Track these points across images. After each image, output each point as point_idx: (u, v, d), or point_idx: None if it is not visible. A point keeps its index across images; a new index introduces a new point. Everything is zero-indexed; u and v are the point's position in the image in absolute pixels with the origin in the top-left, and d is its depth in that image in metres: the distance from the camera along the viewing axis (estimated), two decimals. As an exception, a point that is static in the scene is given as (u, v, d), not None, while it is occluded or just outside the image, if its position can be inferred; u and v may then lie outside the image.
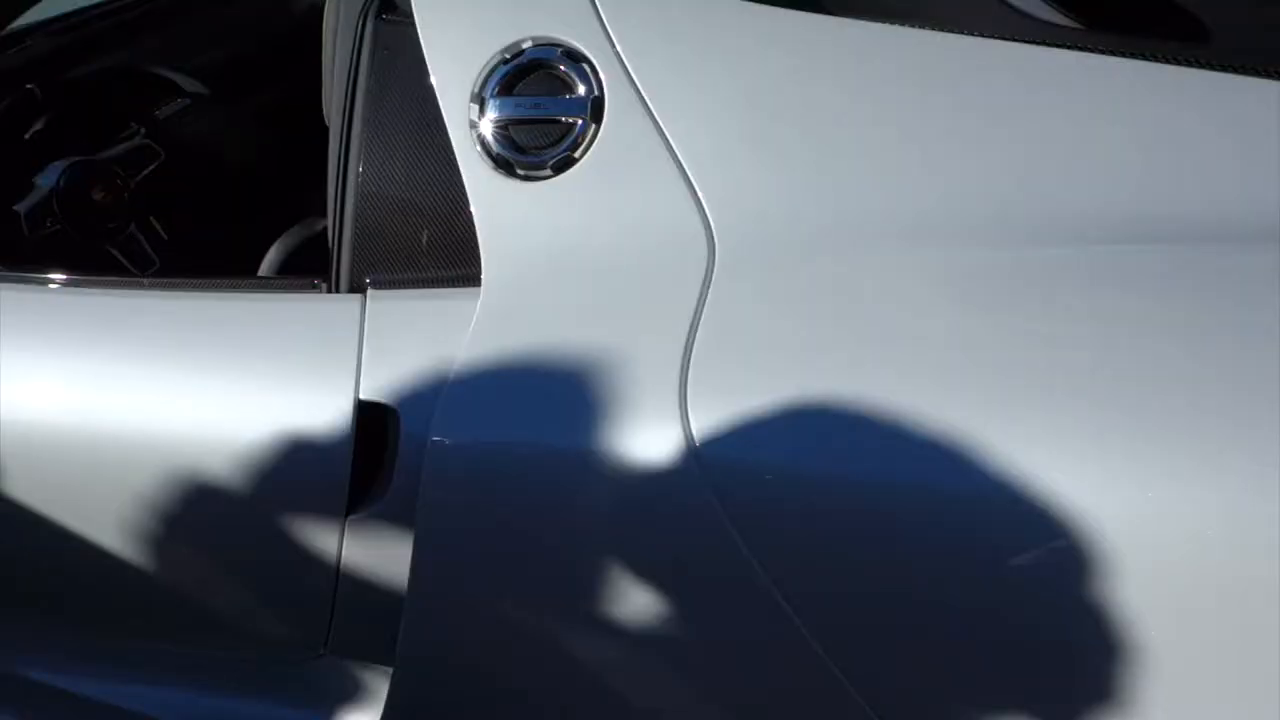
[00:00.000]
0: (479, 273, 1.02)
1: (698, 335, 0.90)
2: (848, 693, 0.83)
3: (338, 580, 1.11)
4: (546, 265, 1.00)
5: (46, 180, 1.48)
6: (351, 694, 1.26)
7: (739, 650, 0.88)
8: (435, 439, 0.96)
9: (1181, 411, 0.77)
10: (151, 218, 1.64)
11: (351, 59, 1.10)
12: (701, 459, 0.85)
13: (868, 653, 0.83)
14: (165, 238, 1.64)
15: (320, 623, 1.18)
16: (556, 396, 0.93)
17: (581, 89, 1.01)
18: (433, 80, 1.04)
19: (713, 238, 0.95)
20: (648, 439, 0.88)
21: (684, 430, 0.86)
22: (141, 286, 1.21)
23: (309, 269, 1.18)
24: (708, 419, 0.86)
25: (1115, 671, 0.73)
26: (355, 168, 1.09)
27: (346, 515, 1.07)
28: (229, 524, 1.13)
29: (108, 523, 1.16)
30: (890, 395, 0.82)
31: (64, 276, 1.20)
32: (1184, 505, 0.74)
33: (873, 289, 0.90)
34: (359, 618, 1.15)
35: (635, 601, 0.92)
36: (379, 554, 1.08)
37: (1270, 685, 0.74)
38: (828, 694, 0.83)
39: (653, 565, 0.90)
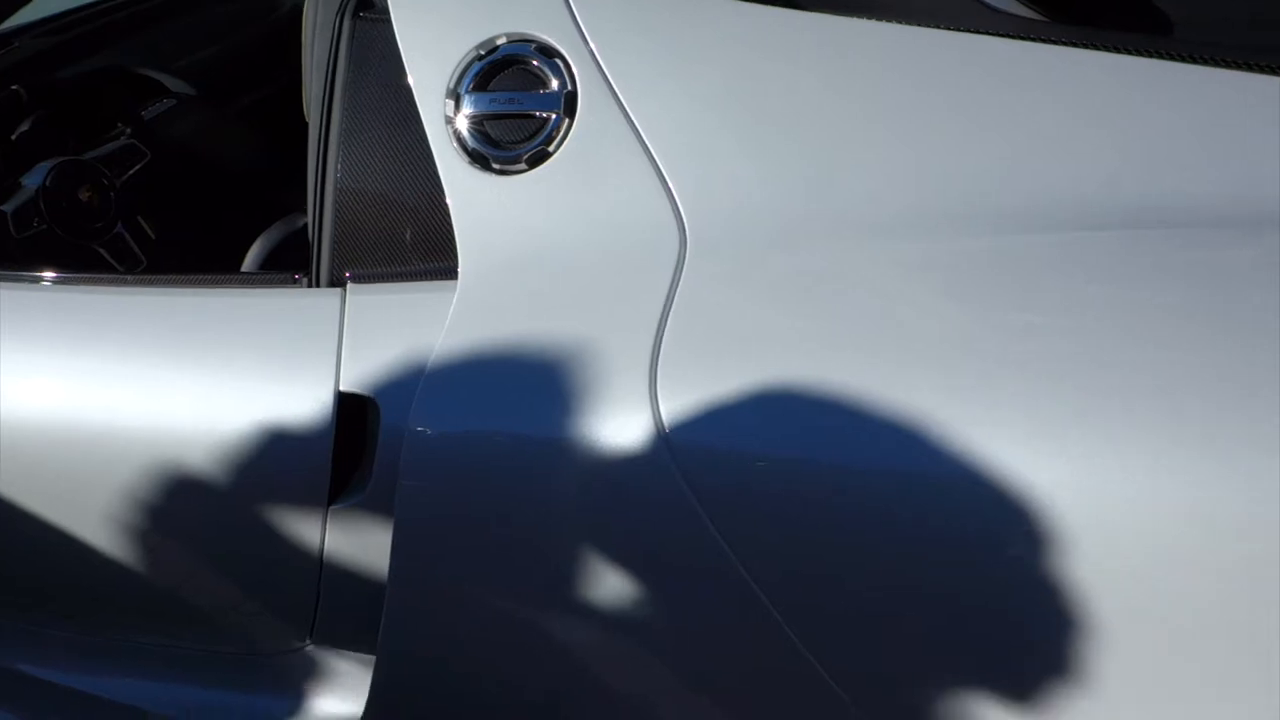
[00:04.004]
0: (456, 266, 1.03)
1: (668, 325, 0.91)
2: (818, 674, 0.85)
3: (321, 571, 1.13)
4: (521, 258, 1.02)
5: (33, 180, 1.49)
6: (336, 684, 1.27)
7: (710, 633, 0.89)
8: (412, 429, 0.98)
9: (1153, 397, 0.78)
10: (139, 217, 1.66)
11: (329, 56, 1.11)
12: (672, 445, 0.87)
13: (837, 635, 0.85)
14: (152, 237, 1.66)
15: (305, 614, 1.19)
16: (530, 386, 0.95)
17: (555, 84, 1.02)
18: (409, 77, 1.06)
19: (684, 229, 0.97)
20: (619, 427, 0.89)
21: (654, 418, 0.88)
22: (126, 283, 1.23)
23: (291, 265, 1.19)
24: (677, 406, 0.87)
25: (1078, 652, 0.74)
26: (334, 164, 1.11)
27: (329, 506, 1.09)
28: (213, 516, 1.14)
29: (93, 516, 1.17)
30: (859, 382, 0.84)
31: (50, 275, 1.22)
32: (1153, 491, 0.76)
33: (843, 279, 0.92)
34: (343, 608, 1.16)
35: (610, 587, 0.93)
36: (361, 544, 1.09)
37: (1231, 662, 0.76)
38: (797, 675, 0.85)
39: (626, 550, 0.91)
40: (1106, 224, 0.89)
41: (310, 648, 1.26)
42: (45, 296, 1.21)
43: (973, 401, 0.81)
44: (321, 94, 1.12)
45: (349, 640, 1.21)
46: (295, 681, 1.30)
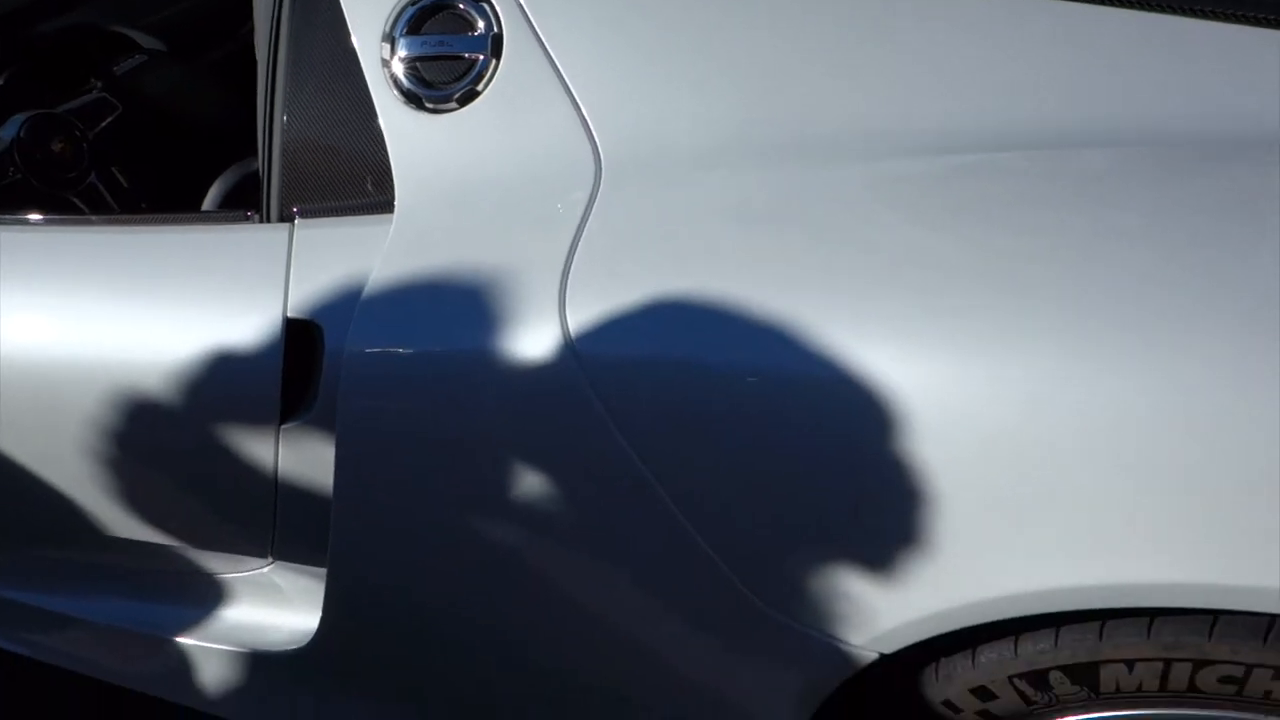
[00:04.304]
0: (394, 199, 1.11)
1: (579, 246, 0.99)
2: (708, 555, 0.93)
3: (276, 488, 1.21)
4: (452, 190, 1.09)
5: (7, 132, 1.56)
6: (298, 597, 1.36)
7: (614, 522, 0.97)
8: (349, 350, 1.06)
9: (990, 310, 0.85)
10: (112, 168, 1.73)
11: (275, 3, 1.18)
12: (579, 355, 0.95)
13: (725, 518, 0.93)
14: (125, 186, 1.73)
15: (265, 530, 1.27)
16: (455, 307, 1.03)
17: (481, 26, 1.09)
18: (347, 22, 1.13)
19: (600, 157, 1.04)
20: (532, 339, 0.97)
21: (562, 329, 0.95)
22: (90, 223, 1.30)
23: (248, 204, 1.27)
24: (583, 318, 0.95)
25: (924, 521, 0.82)
26: (280, 107, 1.18)
27: (280, 425, 1.17)
28: (174, 440, 1.23)
29: (61, 444, 1.25)
30: (748, 294, 0.91)
31: (15, 216, 1.29)
32: (991, 385, 0.83)
33: (744, 201, 0.99)
34: (299, 523, 1.25)
35: (530, 488, 1.02)
36: (311, 460, 1.17)
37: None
38: (690, 556, 0.93)
39: (542, 454, 0.99)
40: (982, 146, 0.96)
41: (273, 565, 1.34)
42: (13, 237, 1.28)
43: (847, 311, 0.88)
44: (268, 40, 1.19)
45: (308, 555, 1.29)
46: (261, 598, 1.39)
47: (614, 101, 1.06)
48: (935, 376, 0.82)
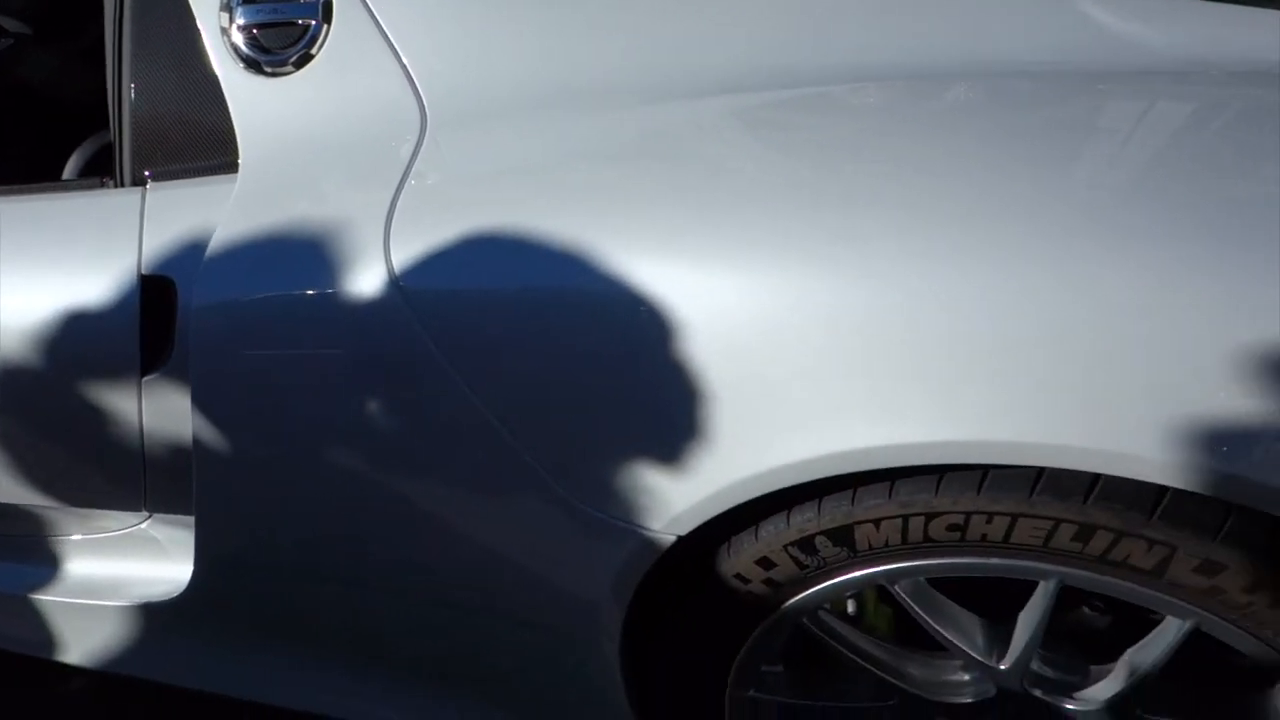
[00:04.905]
0: (238, 160, 1.18)
1: (403, 191, 1.07)
2: (528, 464, 1.02)
3: (143, 440, 1.27)
4: (291, 148, 1.17)
5: None
6: (174, 548, 1.42)
7: (447, 442, 1.06)
8: (196, 303, 1.13)
9: (770, 235, 0.95)
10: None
11: None
12: (404, 290, 1.03)
13: (537, 427, 1.02)
14: (-5, 168, 1.76)
15: (136, 484, 1.33)
16: (293, 257, 1.10)
17: (311, -7, 1.17)
18: (186, -7, 1.20)
19: (424, 109, 1.12)
20: (363, 281, 1.05)
21: (388, 269, 1.04)
22: (-50, 195, 1.35)
23: (104, 172, 1.32)
24: (406, 257, 1.03)
25: (700, 412, 0.93)
26: (127, 77, 1.24)
27: (141, 378, 1.23)
28: (41, 400, 1.28)
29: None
30: (555, 223, 1.00)
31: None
32: (747, 289, 0.92)
33: (556, 140, 1.09)
34: (168, 474, 1.31)
35: (372, 418, 1.10)
36: (174, 411, 1.23)
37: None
38: (513, 464, 1.03)
39: (379, 384, 1.07)
40: (779, 84, 1.07)
41: (149, 520, 1.40)
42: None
43: (641, 234, 0.98)
44: (113, 13, 1.25)
45: (180, 505, 1.35)
46: (139, 552, 1.45)
47: (437, 57, 1.14)
48: (709, 284, 0.93)
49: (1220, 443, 0.81)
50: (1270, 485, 0.82)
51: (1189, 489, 0.84)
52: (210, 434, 1.18)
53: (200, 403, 1.16)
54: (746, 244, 0.93)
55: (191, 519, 1.33)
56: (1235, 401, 0.80)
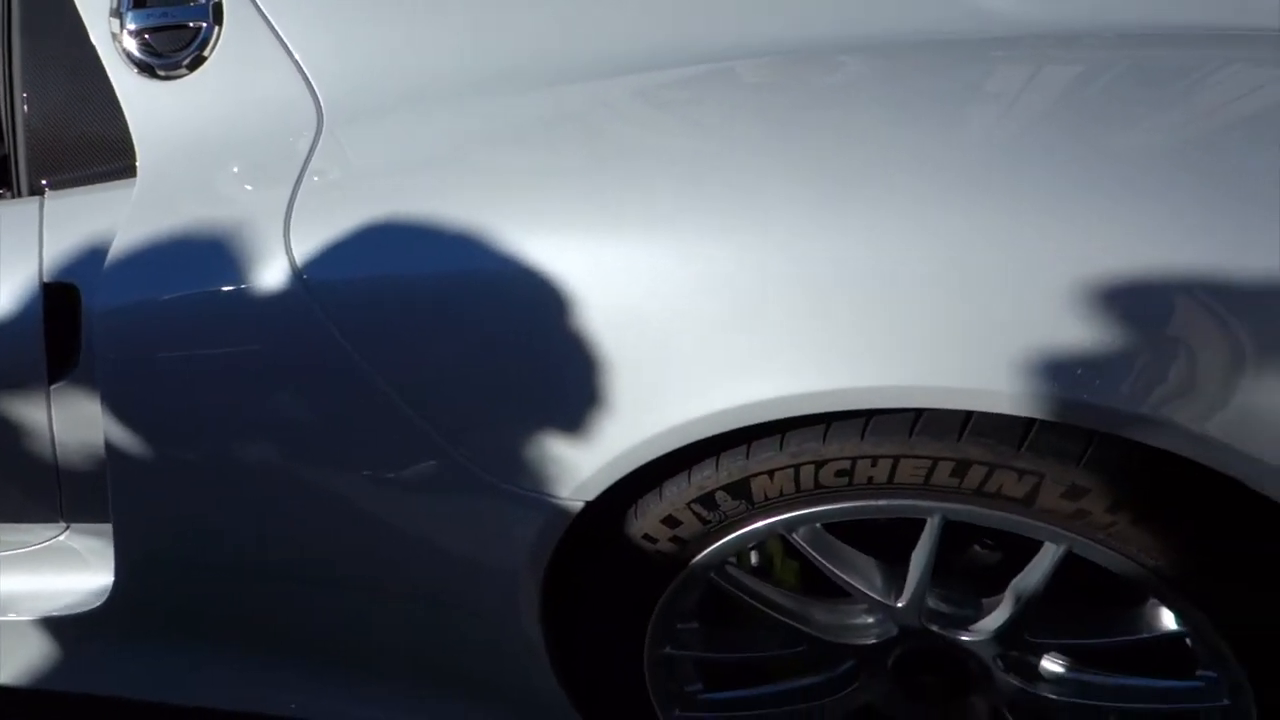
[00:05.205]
0: (136, 164, 1.20)
1: (301, 185, 1.10)
2: (439, 443, 1.06)
3: (55, 449, 1.28)
4: (189, 150, 1.19)
5: None
6: (94, 558, 1.42)
7: (356, 426, 1.09)
8: (99, 308, 1.14)
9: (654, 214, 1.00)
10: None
11: None
12: (306, 281, 1.06)
13: (444, 405, 1.06)
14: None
15: (51, 494, 1.34)
16: (196, 257, 1.12)
17: (201, -5, 1.19)
18: (75, 1, 1.21)
19: (319, 104, 1.16)
20: (265, 275, 1.07)
21: (290, 262, 1.06)
22: None
23: (1, 182, 1.33)
24: (307, 249, 1.06)
25: (598, 380, 0.97)
26: (19, 87, 1.25)
27: (50, 385, 1.24)
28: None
29: None
30: (449, 207, 1.04)
31: None
32: (637, 260, 0.97)
33: (449, 127, 1.13)
34: (83, 482, 1.31)
35: (283, 409, 1.12)
36: (85, 417, 1.24)
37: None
38: (422, 443, 1.06)
39: (287, 374, 1.10)
40: (661, 65, 1.13)
41: (67, 531, 1.40)
42: None
43: (545, 218, 1.02)
44: (1, 21, 1.26)
45: (97, 513, 1.36)
46: (59, 564, 1.45)
47: (330, 53, 1.18)
48: (604, 257, 0.97)
49: (1073, 373, 0.88)
50: (1119, 410, 0.89)
51: (1050, 419, 0.91)
52: (123, 439, 1.19)
53: (110, 408, 1.17)
54: (639, 216, 0.98)
55: (108, 526, 1.34)
56: (1082, 332, 0.87)
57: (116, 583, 1.33)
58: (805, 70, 1.13)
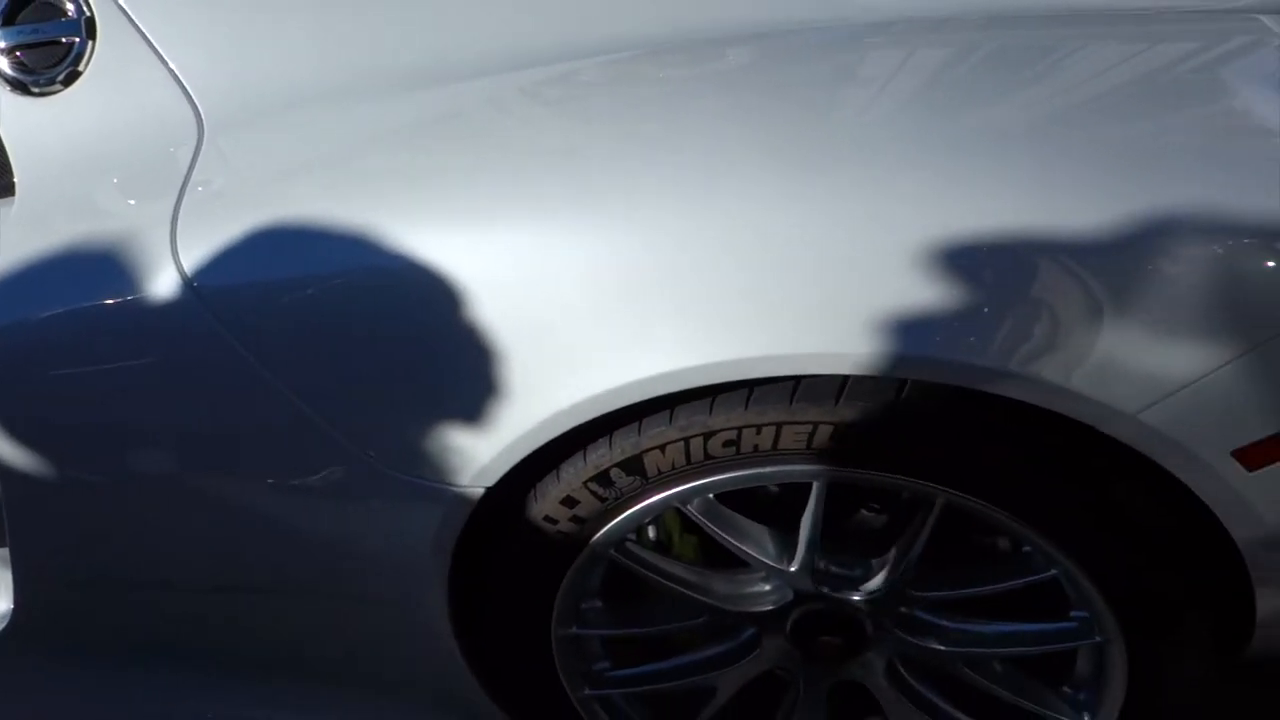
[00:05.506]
0: (13, 182, 1.19)
1: (185, 195, 1.11)
2: (337, 439, 1.08)
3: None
4: (67, 166, 1.19)
5: None
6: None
7: (256, 429, 1.10)
8: None
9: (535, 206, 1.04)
10: None
11: None
12: (197, 289, 1.06)
13: (341, 402, 1.08)
14: None
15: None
16: (81, 273, 1.12)
17: (72, 10, 1.19)
18: (-58, 20, 1.20)
19: (199, 115, 1.17)
20: (155, 286, 1.07)
21: (179, 272, 1.07)
22: None
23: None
24: (196, 258, 1.07)
25: (490, 369, 1.01)
26: (-113, 108, 1.23)
27: (-64, 411, 1.22)
28: None
29: None
30: (336, 208, 1.06)
31: None
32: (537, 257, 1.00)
33: (330, 130, 1.15)
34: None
35: (181, 418, 1.13)
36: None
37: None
38: (321, 440, 1.08)
39: (184, 383, 1.10)
40: (532, 63, 1.17)
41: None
42: None
43: (428, 214, 1.05)
44: None
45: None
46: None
47: (207, 63, 1.19)
48: (488, 249, 1.00)
49: (938, 334, 0.94)
50: (986, 367, 0.94)
51: (921, 380, 0.97)
52: (16, 458, 1.18)
53: (0, 428, 1.16)
54: (521, 208, 1.02)
55: (5, 551, 1.32)
56: (945, 294, 0.93)
57: (17, 606, 1.31)
58: (682, 60, 1.18)
